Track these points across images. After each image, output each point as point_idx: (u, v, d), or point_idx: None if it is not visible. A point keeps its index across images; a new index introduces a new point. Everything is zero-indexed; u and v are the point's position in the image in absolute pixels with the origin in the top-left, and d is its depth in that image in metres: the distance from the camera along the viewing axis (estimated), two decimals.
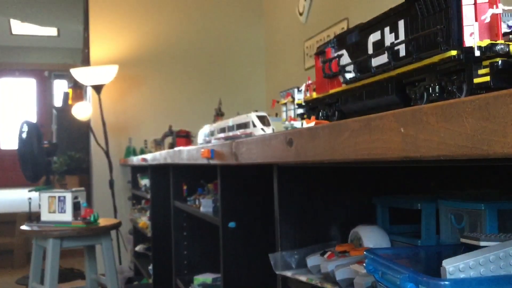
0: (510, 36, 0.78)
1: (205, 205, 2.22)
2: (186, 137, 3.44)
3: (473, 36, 0.76)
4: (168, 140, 3.90)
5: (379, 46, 0.99)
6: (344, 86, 1.14)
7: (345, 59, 1.15)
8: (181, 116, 4.81)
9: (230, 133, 1.88)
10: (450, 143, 0.57)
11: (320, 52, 1.26)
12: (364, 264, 0.89)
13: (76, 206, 2.83)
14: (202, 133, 2.30)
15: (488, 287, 0.67)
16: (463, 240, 0.92)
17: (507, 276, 0.70)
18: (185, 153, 2.11)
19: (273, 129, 1.67)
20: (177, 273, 2.81)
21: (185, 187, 2.77)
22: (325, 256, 1.17)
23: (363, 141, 0.77)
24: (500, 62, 0.69)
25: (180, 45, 5.03)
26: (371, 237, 1.19)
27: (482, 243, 0.85)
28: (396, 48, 0.93)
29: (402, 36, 0.92)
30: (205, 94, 5.00)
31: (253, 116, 1.70)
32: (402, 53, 0.91)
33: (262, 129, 1.66)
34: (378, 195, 1.30)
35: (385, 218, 1.29)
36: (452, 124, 0.57)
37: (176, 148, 2.48)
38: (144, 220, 3.85)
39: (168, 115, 4.82)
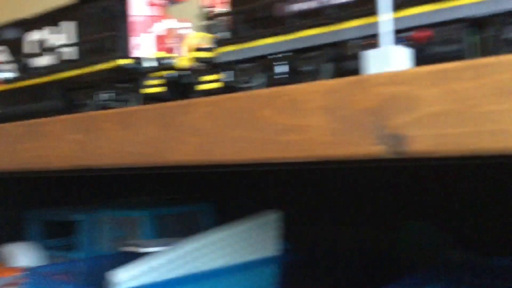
0: (174, 52, 0.83)
1: None
2: None
3: (140, 48, 0.77)
4: None
5: (42, 47, 0.93)
6: (3, 86, 1.03)
7: (6, 56, 1.04)
8: None
9: None
10: (129, 150, 0.56)
11: None
12: (19, 286, 0.82)
13: None
14: None
15: None
16: (123, 248, 0.92)
17: (176, 279, 0.73)
18: None
19: None
20: None
21: None
22: None
23: (27, 149, 0.70)
24: (169, 74, 0.72)
25: None
26: (22, 254, 1.11)
27: (142, 250, 0.87)
28: (60, 50, 0.88)
29: (67, 39, 0.88)
30: None
31: None
32: (69, 56, 0.86)
33: None
34: (32, 208, 1.21)
35: (38, 233, 1.21)
36: (131, 132, 0.56)
37: None
38: None
39: None
